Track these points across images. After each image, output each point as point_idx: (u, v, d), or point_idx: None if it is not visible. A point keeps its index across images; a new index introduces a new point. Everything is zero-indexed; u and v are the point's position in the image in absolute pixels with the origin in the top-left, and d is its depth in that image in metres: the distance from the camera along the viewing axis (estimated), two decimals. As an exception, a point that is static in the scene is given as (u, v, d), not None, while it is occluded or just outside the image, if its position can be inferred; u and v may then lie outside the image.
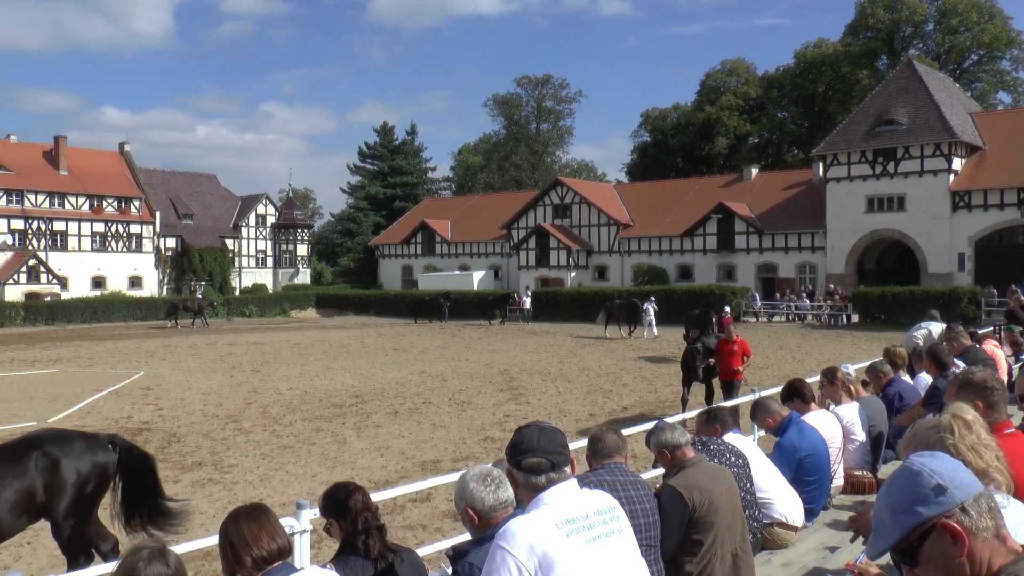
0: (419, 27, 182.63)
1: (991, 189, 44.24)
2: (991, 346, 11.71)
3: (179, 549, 4.99)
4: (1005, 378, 10.63)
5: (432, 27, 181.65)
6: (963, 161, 46.39)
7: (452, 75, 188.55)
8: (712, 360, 16.17)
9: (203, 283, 67.91)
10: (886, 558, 2.12)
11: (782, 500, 6.30)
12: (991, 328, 19.69)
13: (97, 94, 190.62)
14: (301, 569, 3.65)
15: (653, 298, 40.29)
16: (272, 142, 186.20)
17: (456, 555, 3.59)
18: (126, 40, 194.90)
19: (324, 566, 3.80)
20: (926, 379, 9.10)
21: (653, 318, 38.09)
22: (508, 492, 3.56)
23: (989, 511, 1.92)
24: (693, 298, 43.76)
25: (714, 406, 7.05)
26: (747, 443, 6.57)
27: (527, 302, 49.85)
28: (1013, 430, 3.68)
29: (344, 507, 3.97)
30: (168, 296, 63.80)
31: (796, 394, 7.58)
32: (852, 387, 8.41)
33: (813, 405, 7.59)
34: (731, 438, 6.36)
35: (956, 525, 1.87)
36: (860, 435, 7.89)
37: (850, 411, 7.93)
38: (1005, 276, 39.71)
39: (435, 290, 58.37)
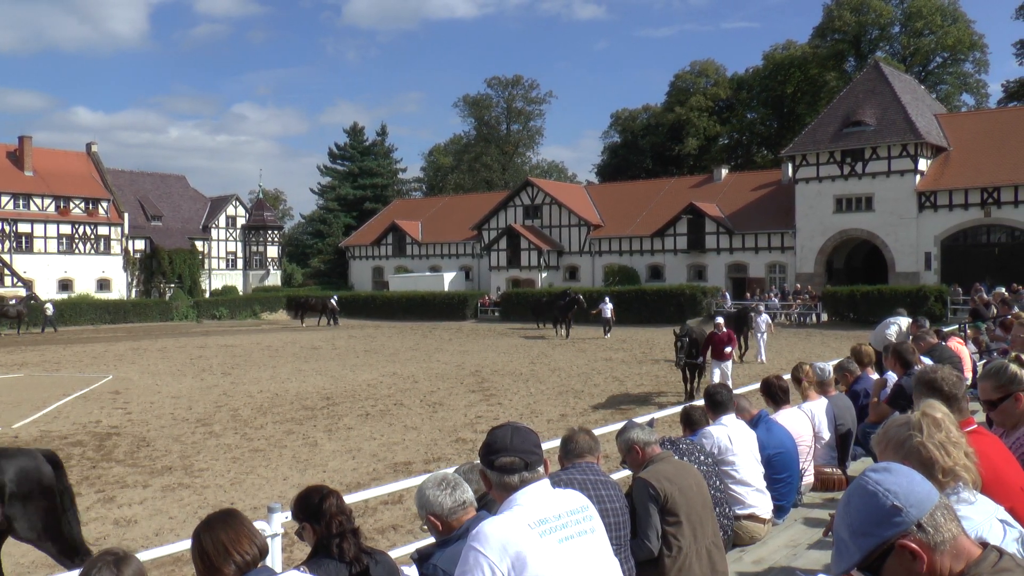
0: (394, 30, 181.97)
1: (956, 189, 44.89)
2: (956, 343, 11.91)
3: (150, 555, 4.94)
4: (969, 375, 10.81)
5: (407, 30, 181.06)
6: (929, 162, 47.03)
7: (426, 77, 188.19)
8: None
9: (172, 285, 67.12)
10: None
11: (755, 490, 6.39)
12: (956, 326, 19.98)
13: (69, 94, 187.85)
14: (280, 573, 3.62)
15: (763, 307, 32.71)
16: (244, 143, 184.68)
17: (421, 558, 3.60)
18: (101, 41, 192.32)
19: (299, 568, 3.78)
20: (895, 377, 9.21)
21: (765, 332, 28.37)
22: (467, 493, 3.56)
23: (947, 521, 1.94)
24: (664, 298, 44.01)
25: (690, 403, 7.09)
26: (740, 426, 6.65)
27: (607, 311, 38.94)
28: (974, 427, 3.73)
29: (318, 511, 3.93)
30: (140, 299, 63.16)
31: (769, 392, 7.70)
32: (826, 385, 8.51)
33: (785, 405, 7.68)
34: (728, 420, 6.48)
35: (914, 544, 1.91)
36: (825, 433, 7.98)
37: (817, 408, 8.03)
38: (970, 275, 40.39)
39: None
